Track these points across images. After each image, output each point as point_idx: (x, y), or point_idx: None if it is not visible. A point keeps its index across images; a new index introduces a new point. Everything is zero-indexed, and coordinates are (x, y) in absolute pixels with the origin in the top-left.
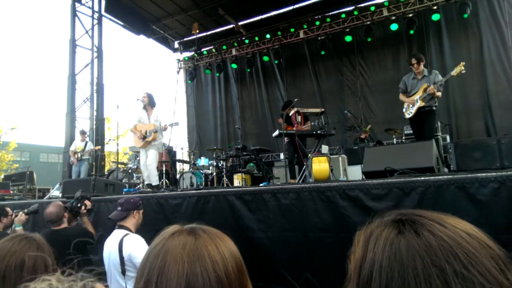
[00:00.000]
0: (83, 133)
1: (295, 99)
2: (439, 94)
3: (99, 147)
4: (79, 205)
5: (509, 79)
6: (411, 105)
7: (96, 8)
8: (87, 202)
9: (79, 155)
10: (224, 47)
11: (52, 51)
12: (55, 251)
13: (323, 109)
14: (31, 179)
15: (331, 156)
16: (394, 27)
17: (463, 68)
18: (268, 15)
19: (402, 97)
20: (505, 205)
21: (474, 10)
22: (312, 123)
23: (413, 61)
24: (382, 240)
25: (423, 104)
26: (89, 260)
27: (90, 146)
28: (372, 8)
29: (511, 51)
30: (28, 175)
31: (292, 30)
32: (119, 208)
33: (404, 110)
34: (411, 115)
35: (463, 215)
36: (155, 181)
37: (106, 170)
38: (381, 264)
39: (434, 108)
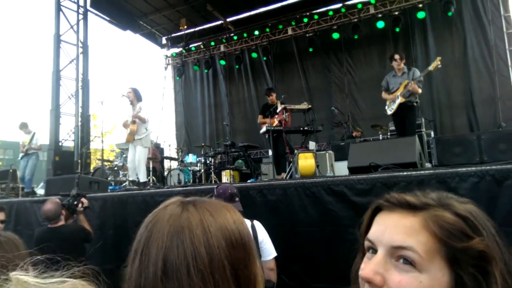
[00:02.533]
0: (24, 126)
1: (283, 95)
2: (419, 90)
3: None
4: (75, 202)
5: (491, 76)
6: (392, 102)
7: (81, 2)
8: (84, 200)
9: (24, 149)
10: (213, 43)
11: (36, 47)
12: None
13: (310, 106)
14: (14, 177)
15: (318, 152)
16: (380, 24)
17: (439, 63)
18: (257, 11)
19: (384, 94)
20: (485, 199)
21: (458, 8)
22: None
23: (397, 56)
24: None
25: (403, 100)
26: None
27: (37, 139)
28: (359, 6)
29: (493, 49)
30: (11, 173)
31: (281, 26)
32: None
33: (386, 107)
34: (392, 111)
35: None
36: (142, 177)
37: (91, 167)
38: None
39: (414, 104)
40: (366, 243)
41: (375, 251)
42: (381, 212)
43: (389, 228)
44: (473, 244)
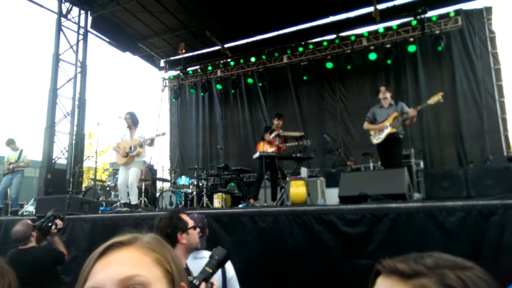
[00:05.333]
0: (11, 142)
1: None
2: (408, 122)
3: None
4: (49, 224)
5: (479, 110)
6: (379, 131)
7: (82, 23)
8: (58, 222)
9: (10, 166)
10: (210, 67)
11: (33, 64)
12: (14, 271)
13: (303, 133)
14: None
15: (310, 179)
16: (372, 56)
17: (441, 98)
18: (254, 39)
19: (367, 125)
20: (471, 234)
21: (448, 43)
22: (294, 143)
23: (382, 88)
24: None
25: (393, 130)
26: (58, 280)
27: (25, 156)
28: (353, 38)
29: (481, 84)
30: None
31: (276, 54)
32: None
33: (371, 136)
34: (379, 140)
35: (432, 242)
36: (134, 200)
37: (83, 186)
38: None
39: (401, 136)
40: None
41: None
42: (380, 275)
43: None
44: None
